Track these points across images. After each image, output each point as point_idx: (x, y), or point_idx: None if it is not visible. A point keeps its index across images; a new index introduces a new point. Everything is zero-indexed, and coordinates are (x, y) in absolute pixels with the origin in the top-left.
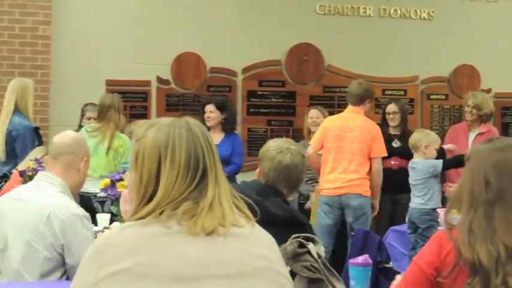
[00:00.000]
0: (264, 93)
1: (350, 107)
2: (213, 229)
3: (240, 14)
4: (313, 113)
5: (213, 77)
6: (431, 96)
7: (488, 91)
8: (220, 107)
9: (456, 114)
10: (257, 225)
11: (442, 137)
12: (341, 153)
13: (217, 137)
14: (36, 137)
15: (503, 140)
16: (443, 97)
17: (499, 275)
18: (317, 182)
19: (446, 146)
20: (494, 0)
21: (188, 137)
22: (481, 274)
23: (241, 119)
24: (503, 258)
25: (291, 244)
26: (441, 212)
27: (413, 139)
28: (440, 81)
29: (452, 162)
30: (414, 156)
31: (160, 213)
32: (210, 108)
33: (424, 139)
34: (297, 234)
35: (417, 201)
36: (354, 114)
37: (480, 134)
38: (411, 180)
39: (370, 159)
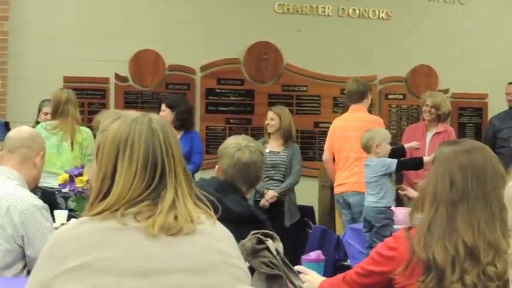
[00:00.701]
0: (222, 91)
1: (352, 106)
2: (171, 227)
3: (199, 12)
4: (268, 114)
5: (172, 75)
6: (389, 96)
7: (446, 91)
8: (171, 106)
9: (414, 114)
10: (217, 222)
11: (400, 137)
12: (345, 153)
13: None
14: (6, 132)
15: (469, 142)
16: (401, 97)
17: (455, 271)
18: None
19: (409, 144)
20: (452, 2)
21: (148, 134)
22: (436, 271)
23: (200, 117)
24: (461, 255)
25: (249, 240)
26: (396, 210)
27: (363, 139)
28: (398, 81)
29: (409, 163)
30: (368, 155)
31: (116, 210)
32: (162, 107)
33: (374, 138)
34: (256, 231)
35: (371, 199)
36: (355, 114)
37: (437, 133)
38: (365, 178)
39: None
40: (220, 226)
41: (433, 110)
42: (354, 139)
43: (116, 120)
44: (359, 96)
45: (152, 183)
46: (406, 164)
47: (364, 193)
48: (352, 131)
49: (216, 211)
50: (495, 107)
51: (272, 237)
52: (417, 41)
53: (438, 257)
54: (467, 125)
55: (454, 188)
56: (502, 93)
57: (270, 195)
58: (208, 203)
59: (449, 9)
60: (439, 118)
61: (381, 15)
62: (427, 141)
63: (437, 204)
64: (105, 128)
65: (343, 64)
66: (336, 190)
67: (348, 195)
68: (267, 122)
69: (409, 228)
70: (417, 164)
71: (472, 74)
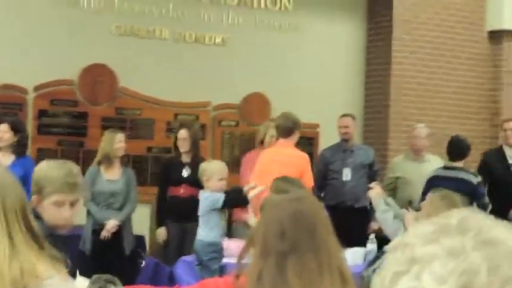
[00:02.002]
0: (55, 112)
1: (280, 141)
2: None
3: (34, 31)
4: (118, 137)
5: (4, 94)
6: (223, 123)
7: None
8: (16, 129)
9: (246, 141)
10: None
11: (233, 164)
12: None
13: (7, 159)
14: None
15: (298, 191)
16: (234, 124)
17: None
18: None
19: (253, 192)
20: (286, 30)
21: None
22: None
23: (32, 139)
24: None
25: (93, 286)
26: (226, 244)
27: (199, 171)
28: (231, 107)
29: (236, 200)
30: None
31: None
32: (3, 128)
33: (205, 172)
34: (99, 275)
35: (200, 232)
36: (283, 149)
37: None
38: (198, 211)
39: None
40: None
41: (273, 140)
42: (275, 174)
43: None
44: (287, 131)
45: None
46: (233, 201)
47: None
48: (276, 165)
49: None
50: (326, 137)
51: (114, 283)
52: (251, 68)
53: None
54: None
55: (284, 238)
56: (333, 124)
57: (111, 224)
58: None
59: (283, 37)
60: None
61: (216, 41)
62: None
63: (267, 253)
64: None
65: (178, 89)
66: None
67: None
68: (116, 146)
69: (238, 275)
70: (243, 202)
71: (304, 103)
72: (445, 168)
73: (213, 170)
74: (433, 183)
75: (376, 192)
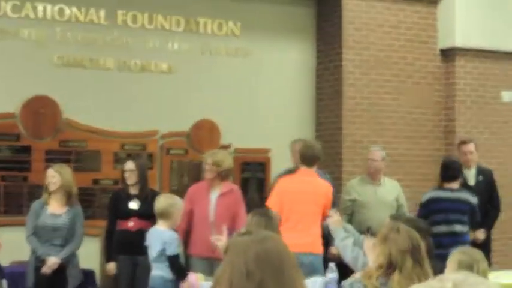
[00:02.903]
0: None
1: (303, 169)
2: None
3: None
4: (48, 172)
5: None
6: (171, 151)
7: (228, 146)
8: None
9: (196, 170)
10: None
11: (182, 193)
12: (297, 214)
13: None
14: None
15: (263, 232)
16: (183, 152)
17: None
18: None
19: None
20: (235, 55)
21: None
22: None
23: None
24: None
25: None
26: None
27: (159, 204)
28: (180, 135)
29: (176, 271)
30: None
31: None
32: None
33: (175, 206)
34: None
35: (158, 267)
36: (307, 177)
37: (223, 194)
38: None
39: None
40: None
41: (214, 168)
42: (309, 202)
43: None
44: (312, 160)
45: None
46: (175, 269)
47: (317, 254)
48: (306, 194)
49: None
50: (278, 162)
51: None
52: (199, 95)
53: None
54: (251, 179)
55: (250, 279)
56: (284, 148)
57: (52, 261)
58: None
59: (231, 63)
60: (221, 175)
61: (162, 68)
62: (212, 201)
63: None
64: None
65: (124, 118)
66: None
67: (302, 255)
68: (48, 180)
69: None
70: (181, 276)
71: (254, 129)
72: (443, 189)
73: (180, 207)
74: (435, 205)
75: (334, 220)
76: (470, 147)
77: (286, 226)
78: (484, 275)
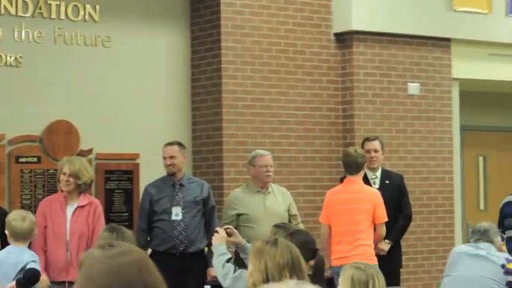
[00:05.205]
0: None
1: (349, 178)
2: None
3: None
4: None
5: None
6: (21, 159)
7: (89, 152)
8: None
9: (51, 180)
10: None
11: (35, 209)
12: (345, 226)
13: None
14: None
15: (121, 245)
16: (36, 160)
17: None
18: None
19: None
20: (93, 45)
21: None
22: None
23: None
24: None
25: None
26: None
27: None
28: (31, 140)
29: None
30: None
31: None
32: None
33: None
34: None
35: None
36: (353, 186)
37: (80, 207)
38: None
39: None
40: None
41: (71, 179)
42: (358, 211)
43: None
44: (357, 167)
45: None
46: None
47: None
48: (354, 203)
49: None
50: (148, 170)
51: None
52: (53, 91)
53: None
54: (116, 191)
55: None
56: (155, 153)
57: None
58: None
59: (90, 52)
60: (80, 188)
61: (8, 61)
62: (68, 216)
63: None
64: None
65: None
66: (336, 262)
67: None
68: None
69: None
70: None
71: (119, 130)
72: None
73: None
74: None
75: (219, 237)
76: (375, 144)
77: (335, 240)
78: None
